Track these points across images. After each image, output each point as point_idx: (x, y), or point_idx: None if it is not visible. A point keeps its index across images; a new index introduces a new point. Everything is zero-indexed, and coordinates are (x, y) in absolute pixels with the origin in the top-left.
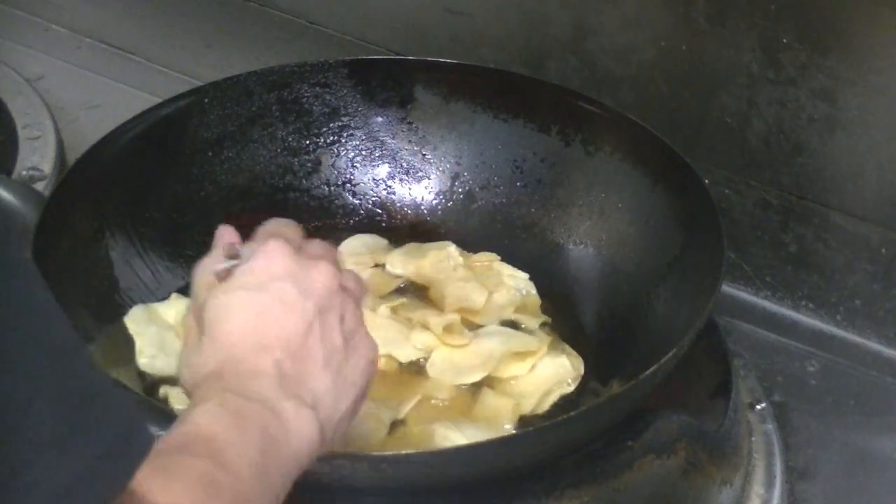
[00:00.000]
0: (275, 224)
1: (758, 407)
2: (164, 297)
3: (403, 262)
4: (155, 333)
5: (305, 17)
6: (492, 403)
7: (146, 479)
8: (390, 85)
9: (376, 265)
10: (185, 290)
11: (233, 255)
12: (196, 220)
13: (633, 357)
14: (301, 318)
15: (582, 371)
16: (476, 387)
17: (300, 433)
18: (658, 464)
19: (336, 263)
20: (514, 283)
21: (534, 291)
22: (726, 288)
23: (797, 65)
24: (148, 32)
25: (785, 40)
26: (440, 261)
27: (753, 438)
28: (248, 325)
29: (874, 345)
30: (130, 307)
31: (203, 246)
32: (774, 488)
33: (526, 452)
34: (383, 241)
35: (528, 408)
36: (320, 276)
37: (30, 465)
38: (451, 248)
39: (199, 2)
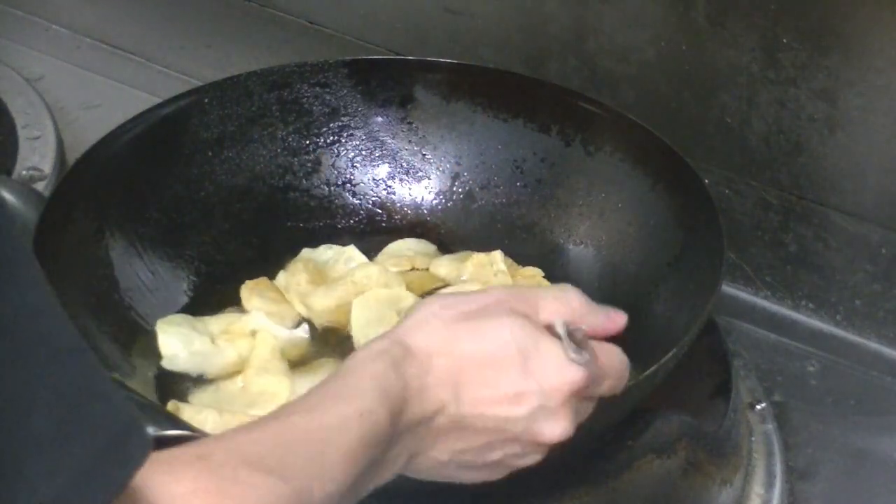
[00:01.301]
0: (619, 363)
1: (758, 407)
2: (164, 297)
3: (447, 265)
4: (185, 334)
5: (305, 17)
6: None
7: (197, 495)
8: (390, 85)
9: (413, 268)
10: (186, 292)
11: (573, 337)
12: (196, 220)
13: (633, 357)
14: (501, 420)
15: None
16: None
17: (388, 473)
18: (658, 464)
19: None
20: None
21: None
22: (726, 288)
23: (797, 65)
24: (148, 32)
25: (785, 40)
26: (483, 266)
27: (753, 438)
28: (476, 370)
29: (874, 345)
30: (131, 307)
31: (203, 246)
32: (774, 488)
33: None
34: (432, 247)
35: None
36: (555, 429)
37: (26, 467)
38: (497, 254)
39: (199, 2)
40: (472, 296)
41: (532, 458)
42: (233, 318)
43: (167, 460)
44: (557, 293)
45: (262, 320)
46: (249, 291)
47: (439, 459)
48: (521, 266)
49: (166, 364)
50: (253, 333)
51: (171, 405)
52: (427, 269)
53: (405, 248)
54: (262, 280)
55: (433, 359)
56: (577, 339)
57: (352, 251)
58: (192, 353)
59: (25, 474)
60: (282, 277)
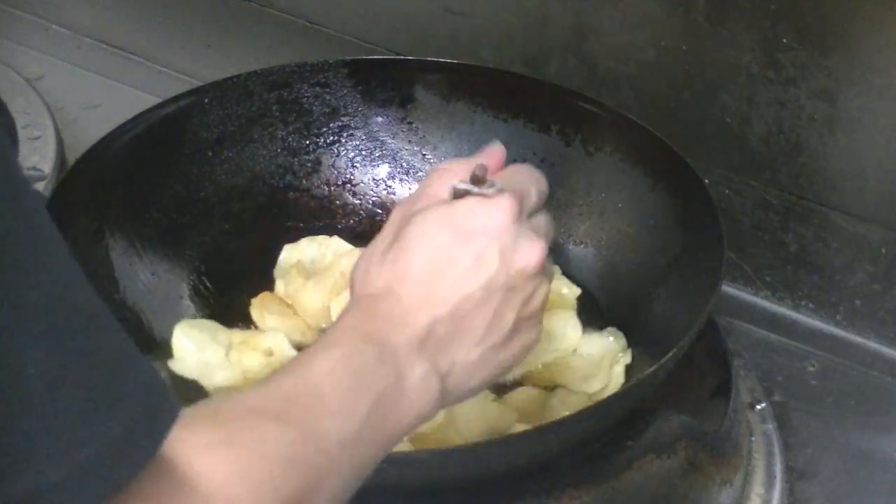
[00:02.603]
0: (527, 173)
1: (758, 407)
2: (165, 297)
3: None
4: (202, 341)
5: (305, 17)
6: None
7: (212, 447)
8: (390, 85)
9: None
10: (186, 292)
11: (478, 181)
12: (196, 220)
13: (634, 357)
14: (485, 285)
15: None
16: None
17: (417, 399)
18: (658, 464)
19: (549, 230)
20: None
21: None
22: (726, 288)
23: (797, 65)
24: (148, 32)
25: (785, 40)
26: None
27: (753, 438)
28: (432, 268)
29: (874, 345)
30: (131, 307)
31: (203, 246)
32: (774, 488)
33: (526, 452)
34: None
35: (597, 386)
36: (529, 254)
37: (58, 438)
38: None
39: (199, 2)
40: (380, 233)
41: (539, 294)
42: (252, 333)
43: (186, 418)
44: (431, 175)
45: (281, 340)
46: (260, 309)
47: (471, 360)
48: None
49: (174, 365)
50: (269, 353)
51: None
52: None
53: None
54: (267, 295)
55: (394, 292)
56: (480, 181)
57: (337, 242)
58: (200, 361)
59: (53, 447)
60: (281, 286)
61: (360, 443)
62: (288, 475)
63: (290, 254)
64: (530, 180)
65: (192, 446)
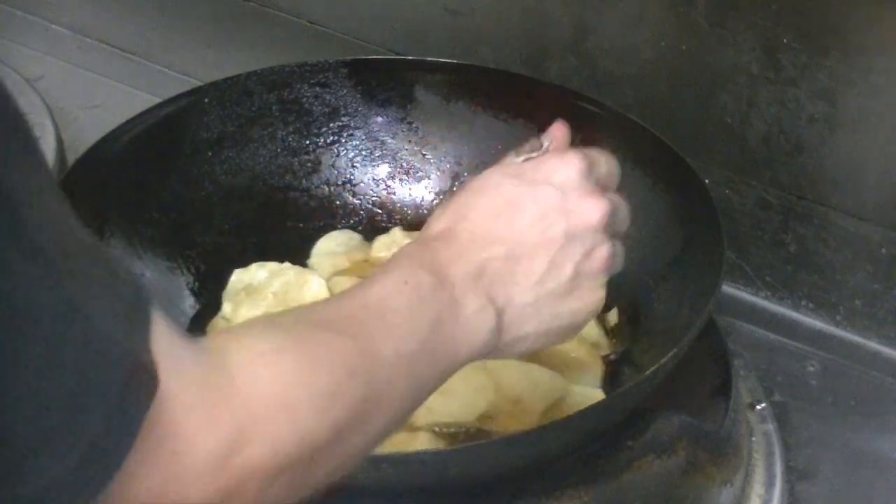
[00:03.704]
0: (597, 150)
1: (758, 407)
2: (165, 297)
3: (386, 249)
4: None
5: (305, 17)
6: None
7: (271, 353)
8: (390, 85)
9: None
10: (186, 292)
11: (536, 149)
12: (196, 220)
13: (634, 357)
14: (543, 230)
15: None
16: None
17: (473, 331)
18: (658, 464)
19: (620, 209)
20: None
21: None
22: (726, 288)
23: (797, 65)
24: (148, 32)
25: (785, 40)
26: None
27: (753, 438)
28: (493, 209)
29: (874, 345)
30: None
31: (203, 246)
32: (774, 488)
33: (526, 452)
34: (357, 236)
35: None
36: (593, 207)
37: (42, 433)
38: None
39: (199, 2)
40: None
41: (601, 251)
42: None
43: (244, 327)
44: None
45: None
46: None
47: (527, 301)
48: None
49: None
50: None
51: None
52: (365, 260)
53: (334, 246)
54: (215, 320)
55: (452, 230)
56: (541, 148)
57: (287, 270)
58: None
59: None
60: (228, 308)
61: (418, 362)
62: (348, 385)
63: (240, 277)
64: (601, 154)
65: (252, 352)
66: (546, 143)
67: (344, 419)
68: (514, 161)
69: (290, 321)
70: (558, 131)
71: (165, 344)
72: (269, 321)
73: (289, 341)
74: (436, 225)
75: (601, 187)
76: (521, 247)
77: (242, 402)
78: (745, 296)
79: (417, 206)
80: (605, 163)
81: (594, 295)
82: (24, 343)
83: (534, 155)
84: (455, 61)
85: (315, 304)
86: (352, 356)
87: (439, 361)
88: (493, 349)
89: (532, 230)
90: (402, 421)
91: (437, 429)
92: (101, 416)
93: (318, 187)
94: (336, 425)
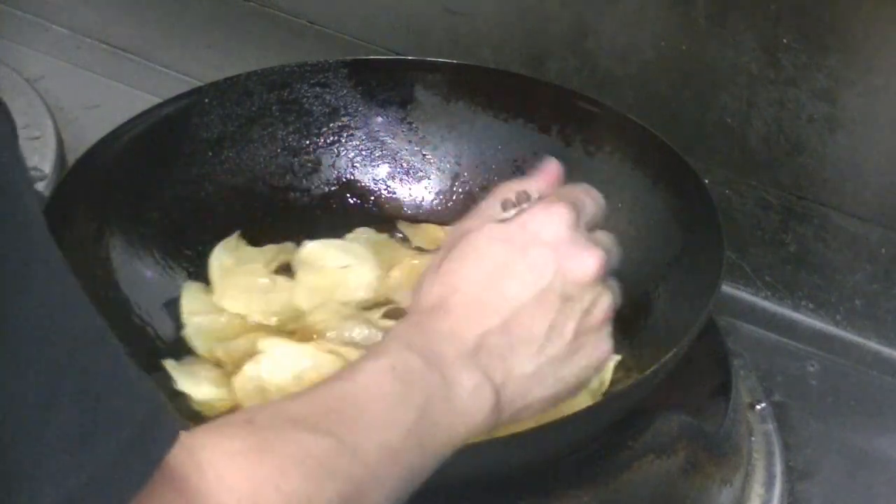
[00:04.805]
0: (583, 189)
1: (758, 407)
2: (165, 297)
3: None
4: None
5: (305, 17)
6: None
7: (244, 454)
8: (390, 85)
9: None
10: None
11: (522, 201)
12: (196, 220)
13: (634, 358)
14: (539, 294)
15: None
16: None
17: (469, 412)
18: (658, 464)
19: (612, 251)
20: None
21: None
22: (726, 288)
23: (797, 65)
24: (148, 32)
25: (785, 40)
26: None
27: (753, 438)
28: (483, 280)
29: (874, 345)
30: (131, 307)
31: (203, 246)
32: (774, 488)
33: (526, 452)
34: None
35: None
36: (586, 263)
37: (50, 464)
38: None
39: (199, 2)
40: (435, 254)
41: (600, 305)
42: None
43: (219, 425)
44: (487, 197)
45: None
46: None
47: (527, 372)
48: None
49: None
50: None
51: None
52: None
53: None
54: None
55: (443, 305)
56: (527, 199)
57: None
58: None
59: (49, 471)
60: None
61: (405, 452)
62: (323, 486)
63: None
64: (586, 194)
65: (223, 452)
66: (534, 195)
67: None
68: (500, 215)
69: (267, 419)
70: (549, 174)
71: None
72: (246, 419)
73: (261, 441)
74: (426, 299)
75: (591, 228)
76: (518, 315)
77: (205, 500)
78: (745, 296)
79: (417, 206)
80: (591, 202)
81: (600, 349)
82: None
83: (524, 206)
84: (455, 61)
85: (296, 396)
86: (329, 456)
87: (433, 444)
88: (495, 425)
89: (527, 296)
90: None
91: None
92: None
93: (318, 187)
94: None
